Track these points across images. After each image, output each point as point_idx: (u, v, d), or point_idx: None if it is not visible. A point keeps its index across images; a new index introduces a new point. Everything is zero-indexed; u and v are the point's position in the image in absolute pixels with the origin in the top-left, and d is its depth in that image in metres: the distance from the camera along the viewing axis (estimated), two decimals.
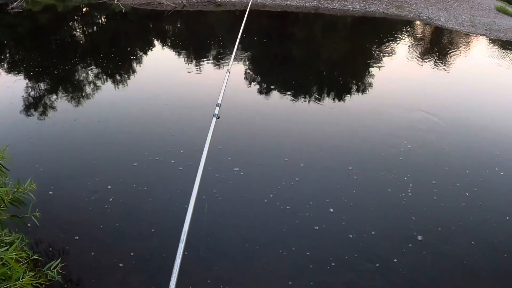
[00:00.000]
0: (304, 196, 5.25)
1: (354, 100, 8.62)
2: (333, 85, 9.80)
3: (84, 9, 15.80)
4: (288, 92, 8.74)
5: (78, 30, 13.79)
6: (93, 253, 4.22)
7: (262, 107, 8.06)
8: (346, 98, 8.72)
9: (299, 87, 9.16)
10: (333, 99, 8.67)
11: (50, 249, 4.20)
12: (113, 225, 4.63)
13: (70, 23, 14.37)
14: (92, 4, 15.45)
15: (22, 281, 2.40)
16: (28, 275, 2.49)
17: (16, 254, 2.55)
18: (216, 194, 5.15)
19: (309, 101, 8.37)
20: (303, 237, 4.64)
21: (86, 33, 13.48)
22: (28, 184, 3.51)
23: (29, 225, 3.72)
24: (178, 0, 15.25)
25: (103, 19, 15.25)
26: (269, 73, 10.41)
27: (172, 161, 5.77)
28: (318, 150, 6.42)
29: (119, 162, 5.77)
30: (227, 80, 3.55)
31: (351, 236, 4.68)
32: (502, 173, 6.09)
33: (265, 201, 5.13)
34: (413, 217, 5.03)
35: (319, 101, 8.41)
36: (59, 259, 3.04)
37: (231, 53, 3.80)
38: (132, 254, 4.25)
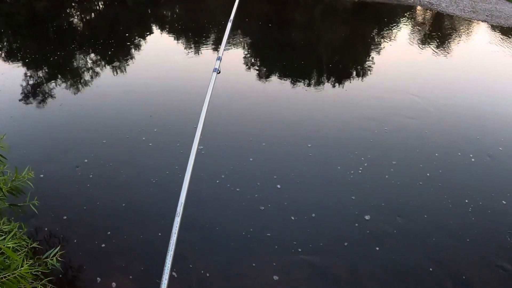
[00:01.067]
0: (256, 176, 5.34)
1: (345, 84, 8.63)
2: (328, 69, 9.77)
3: None
4: (278, 77, 8.74)
5: (75, 17, 13.66)
6: (94, 240, 4.24)
7: (243, 92, 8.09)
8: (336, 82, 8.72)
9: (291, 72, 9.14)
10: (324, 83, 8.68)
11: (50, 236, 4.21)
12: (109, 210, 4.65)
13: (67, 10, 14.21)
14: None
15: (21, 270, 2.39)
16: (27, 263, 2.48)
17: (14, 243, 2.54)
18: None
19: (296, 85, 8.38)
20: (248, 217, 4.71)
21: (84, 20, 13.35)
22: (26, 172, 3.50)
23: (28, 213, 3.72)
24: None
25: (100, 5, 15.10)
26: (264, 59, 10.37)
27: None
28: (286, 131, 6.52)
29: (111, 140, 5.93)
30: (229, 29, 3.35)
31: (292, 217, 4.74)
32: (473, 159, 6.08)
33: (217, 181, 5.23)
34: (353, 196, 5.10)
35: (308, 85, 8.43)
36: (58, 247, 3.04)
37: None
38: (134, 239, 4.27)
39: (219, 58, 2.85)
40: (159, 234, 4.34)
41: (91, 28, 12.47)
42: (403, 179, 5.48)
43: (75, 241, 4.22)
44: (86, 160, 5.51)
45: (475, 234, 4.72)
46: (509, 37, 12.88)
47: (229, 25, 3.38)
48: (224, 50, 2.96)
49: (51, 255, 2.99)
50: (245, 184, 5.21)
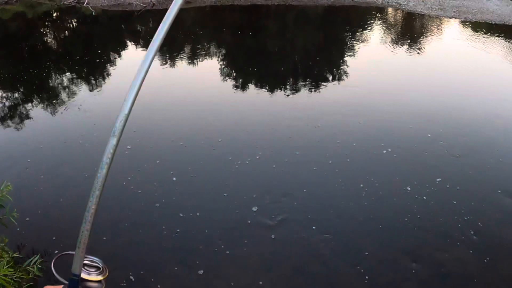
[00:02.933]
0: None
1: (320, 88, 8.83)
2: (302, 74, 9.96)
3: (54, 14, 15.64)
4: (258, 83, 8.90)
5: (49, 36, 13.66)
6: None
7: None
8: (312, 87, 8.91)
9: (267, 78, 9.31)
10: (300, 88, 8.86)
11: (31, 246, 4.24)
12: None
13: (41, 29, 14.22)
14: (63, 8, 15.30)
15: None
16: (7, 268, 2.55)
17: None
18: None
19: (273, 92, 8.56)
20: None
21: (58, 38, 13.37)
22: (4, 185, 3.55)
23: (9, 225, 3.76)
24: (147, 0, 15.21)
25: (74, 23, 15.12)
26: (243, 66, 10.52)
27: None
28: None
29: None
30: None
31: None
32: (415, 146, 6.36)
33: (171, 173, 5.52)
34: None
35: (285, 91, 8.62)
36: (38, 255, 3.10)
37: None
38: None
39: None
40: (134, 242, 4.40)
41: (65, 46, 12.49)
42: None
43: (56, 251, 4.26)
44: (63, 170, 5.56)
45: None
46: (478, 32, 13.26)
47: None
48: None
49: (32, 263, 3.05)
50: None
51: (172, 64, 10.07)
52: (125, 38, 13.00)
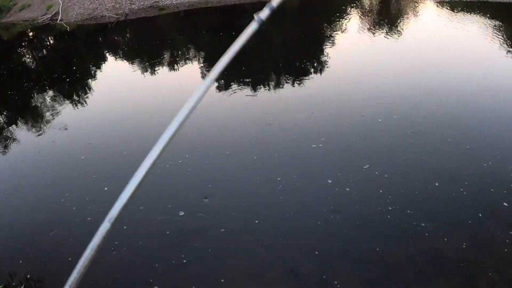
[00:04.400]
0: None
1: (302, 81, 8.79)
2: (284, 69, 9.91)
3: (30, 34, 15.55)
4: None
5: (27, 55, 13.60)
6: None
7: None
8: (294, 81, 8.87)
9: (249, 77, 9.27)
10: (282, 83, 8.81)
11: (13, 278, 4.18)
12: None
13: (18, 50, 14.14)
14: (37, 27, 15.22)
15: None
16: None
17: None
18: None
19: (257, 89, 8.51)
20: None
21: (36, 57, 13.30)
22: None
23: None
24: (120, 10, 15.11)
25: (50, 41, 15.04)
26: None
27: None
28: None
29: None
30: None
31: None
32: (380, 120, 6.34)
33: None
34: None
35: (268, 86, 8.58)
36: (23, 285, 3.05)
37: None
38: None
39: (271, 8, 1.75)
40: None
41: (44, 65, 12.42)
42: None
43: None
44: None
45: None
46: (456, 12, 13.19)
47: None
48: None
49: None
50: None
51: (152, 72, 10.03)
52: (102, 51, 12.96)
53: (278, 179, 5.24)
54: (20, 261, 4.32)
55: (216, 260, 4.10)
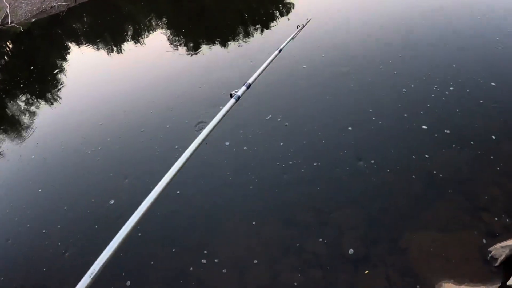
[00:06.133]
0: None
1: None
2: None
3: None
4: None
5: None
6: None
7: None
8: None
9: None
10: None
11: None
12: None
13: None
14: None
15: None
16: None
17: None
18: None
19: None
20: None
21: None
22: None
23: None
24: None
25: (8, 45, 15.09)
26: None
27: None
28: None
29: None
30: (272, 59, 2.73)
31: None
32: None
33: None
34: None
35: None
36: None
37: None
38: None
39: (247, 85, 2.26)
40: None
41: (8, 71, 12.53)
42: None
43: None
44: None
45: None
46: None
47: (276, 53, 2.82)
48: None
49: None
50: None
51: (118, 49, 10.42)
52: (63, 41, 13.11)
53: None
54: None
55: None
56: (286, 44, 2.97)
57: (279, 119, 5.85)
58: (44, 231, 5.00)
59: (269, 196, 4.69)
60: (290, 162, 5.08)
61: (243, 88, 2.20)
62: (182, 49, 9.46)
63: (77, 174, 5.92)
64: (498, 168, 4.44)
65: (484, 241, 3.76)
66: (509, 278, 3.39)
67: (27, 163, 6.58)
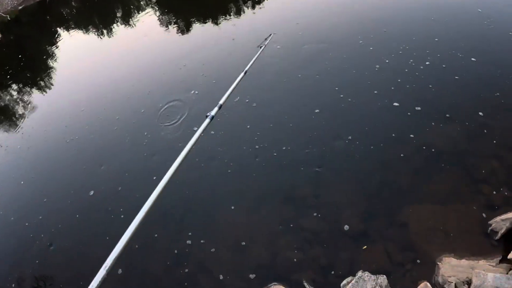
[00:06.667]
0: None
1: None
2: None
3: None
4: None
5: None
6: None
7: None
8: None
9: None
10: None
11: None
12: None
13: None
14: None
15: None
16: None
17: None
18: None
19: None
20: None
21: None
22: None
23: None
24: None
25: None
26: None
27: None
28: None
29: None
30: (239, 80, 3.00)
31: None
32: None
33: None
34: None
35: None
36: None
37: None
38: None
39: (219, 106, 2.58)
40: None
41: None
42: None
43: None
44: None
45: None
46: None
47: (242, 75, 3.08)
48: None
49: None
50: None
51: (109, 31, 10.30)
52: (54, 27, 12.93)
53: None
54: None
55: None
56: (250, 66, 3.20)
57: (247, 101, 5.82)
58: (27, 223, 4.98)
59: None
60: (257, 146, 5.04)
61: (216, 108, 2.50)
62: (167, 30, 9.38)
63: (58, 164, 5.90)
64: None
65: (484, 215, 3.70)
66: (509, 252, 3.34)
67: (13, 152, 6.57)
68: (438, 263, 3.41)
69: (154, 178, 4.53)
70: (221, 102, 2.60)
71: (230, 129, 5.38)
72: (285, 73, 6.24)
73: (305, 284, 3.52)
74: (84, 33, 11.29)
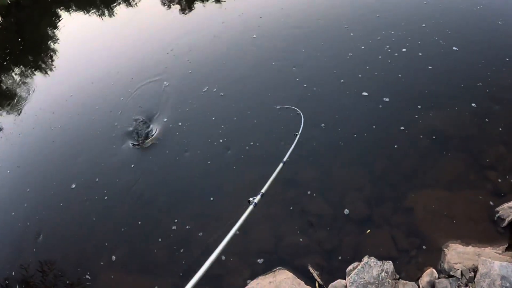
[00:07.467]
0: None
1: None
2: None
3: None
4: None
5: None
6: None
7: None
8: None
9: None
10: None
11: None
12: None
13: None
14: None
15: None
16: None
17: None
18: None
19: None
20: None
21: None
22: None
23: None
24: None
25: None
26: None
27: None
28: None
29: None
30: (279, 170, 3.08)
31: None
32: None
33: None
34: None
35: None
36: None
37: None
38: None
39: (261, 194, 2.70)
40: None
41: (5, 44, 12.22)
42: None
43: None
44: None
45: None
46: None
47: (281, 165, 3.17)
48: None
49: None
50: None
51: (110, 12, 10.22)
52: (55, 9, 12.78)
53: None
54: None
55: None
56: (288, 156, 3.27)
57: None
58: (13, 213, 5.02)
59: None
60: (223, 139, 5.02)
61: (258, 196, 2.61)
62: (159, 12, 9.34)
63: (41, 154, 5.96)
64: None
65: (491, 203, 3.65)
66: None
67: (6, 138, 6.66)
68: (444, 249, 3.38)
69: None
70: (263, 190, 2.70)
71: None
72: (261, 58, 6.27)
73: (310, 268, 3.49)
74: (84, 13, 11.21)
